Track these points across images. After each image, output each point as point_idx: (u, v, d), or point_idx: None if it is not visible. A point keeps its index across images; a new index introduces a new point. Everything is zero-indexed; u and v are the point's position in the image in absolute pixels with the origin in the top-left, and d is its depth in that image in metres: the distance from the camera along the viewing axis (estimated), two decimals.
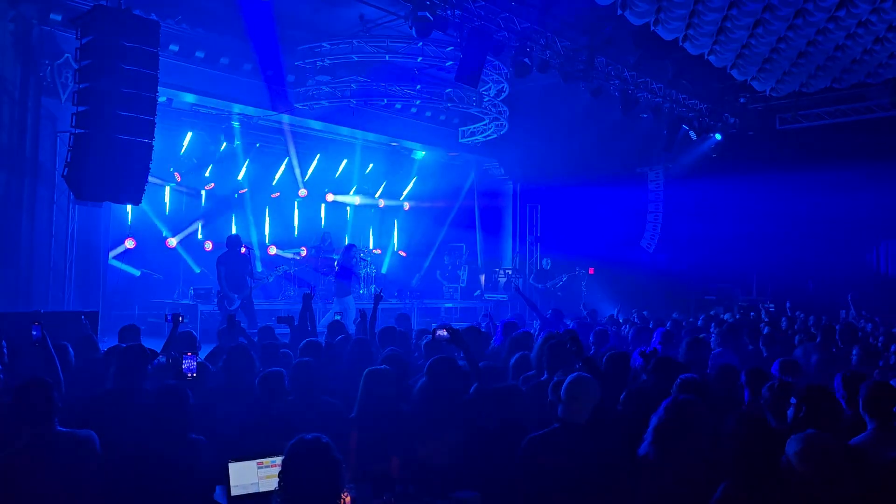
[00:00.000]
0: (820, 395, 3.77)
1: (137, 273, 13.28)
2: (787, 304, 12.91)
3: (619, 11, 10.17)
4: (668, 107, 14.16)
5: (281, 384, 4.44)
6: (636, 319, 10.14)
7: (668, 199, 17.59)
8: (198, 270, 13.94)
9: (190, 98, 12.42)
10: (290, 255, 15.50)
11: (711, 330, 8.34)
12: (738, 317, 11.89)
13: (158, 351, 5.75)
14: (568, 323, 9.39)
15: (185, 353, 4.85)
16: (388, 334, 6.80)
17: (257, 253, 14.96)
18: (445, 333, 5.14)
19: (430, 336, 6.05)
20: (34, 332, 4.91)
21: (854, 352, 6.41)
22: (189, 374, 4.70)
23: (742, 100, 15.67)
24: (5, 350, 5.25)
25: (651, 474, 3.38)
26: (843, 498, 2.87)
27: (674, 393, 4.22)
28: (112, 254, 12.30)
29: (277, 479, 2.79)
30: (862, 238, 14.77)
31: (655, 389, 4.51)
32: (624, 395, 4.51)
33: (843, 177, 14.70)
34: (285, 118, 13.92)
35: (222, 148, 14.36)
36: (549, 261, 16.28)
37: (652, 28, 10.65)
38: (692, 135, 15.13)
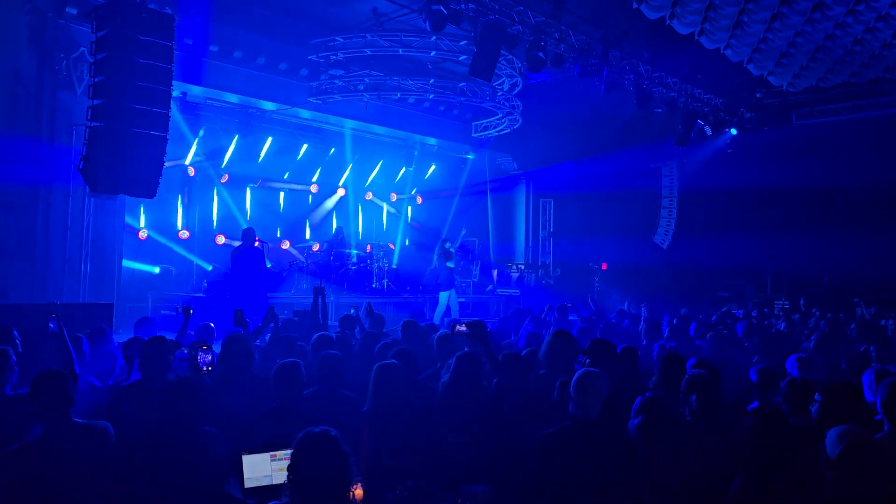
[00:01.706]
0: (845, 393, 3.72)
1: (157, 270, 13.36)
2: (802, 301, 12.79)
3: (635, 5, 10.10)
4: (683, 101, 14.05)
5: (299, 375, 4.44)
6: (645, 314, 10.06)
7: (682, 195, 17.49)
8: (209, 268, 14.00)
9: (202, 92, 12.47)
10: (297, 254, 15.51)
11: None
12: (752, 313, 11.79)
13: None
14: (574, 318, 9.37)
15: (201, 347, 4.87)
16: (409, 329, 6.81)
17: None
18: (465, 328, 5.13)
19: (449, 331, 6.06)
20: (51, 326, 4.95)
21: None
22: (205, 368, 4.72)
23: (758, 95, 15.53)
24: (18, 341, 5.29)
25: (644, 471, 3.43)
26: (881, 495, 2.87)
27: (683, 390, 4.21)
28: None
29: (287, 472, 2.79)
30: (880, 234, 14.59)
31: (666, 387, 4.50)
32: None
33: (861, 173, 14.56)
34: (304, 113, 13.94)
35: (234, 141, 14.40)
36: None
37: (668, 22, 10.57)
38: (707, 130, 15.02)
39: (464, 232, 14.77)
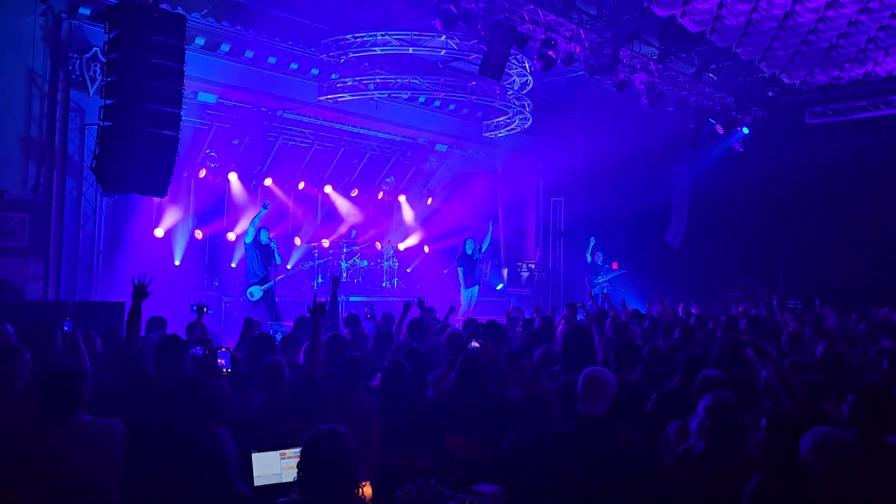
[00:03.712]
0: (881, 396, 3.70)
1: (177, 262, 13.43)
2: (817, 302, 12.68)
3: (646, 3, 10.07)
4: (695, 100, 13.97)
5: (282, 373, 4.45)
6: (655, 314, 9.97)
7: (694, 194, 17.40)
8: (234, 265, 14.08)
9: (214, 92, 12.53)
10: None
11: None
12: (764, 313, 11.70)
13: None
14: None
15: (220, 349, 4.91)
16: (413, 327, 6.83)
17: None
18: (478, 346, 5.17)
19: (453, 330, 6.08)
20: (66, 327, 4.98)
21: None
22: (224, 370, 4.75)
23: (771, 93, 15.42)
24: (63, 333, 5.25)
25: (695, 472, 3.40)
26: (859, 494, 2.88)
27: (696, 389, 4.18)
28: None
29: (297, 469, 2.81)
30: (893, 233, 14.47)
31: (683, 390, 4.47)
32: (655, 396, 4.49)
33: (875, 172, 14.44)
34: (309, 112, 13.98)
35: (245, 140, 14.46)
36: (601, 255, 16.13)
37: (679, 20, 10.53)
38: (719, 128, 14.93)
39: (491, 227, 14.87)
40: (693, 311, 10.98)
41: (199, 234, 14.19)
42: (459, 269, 13.65)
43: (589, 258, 15.40)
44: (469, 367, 4.52)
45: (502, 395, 4.69)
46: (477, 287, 13.61)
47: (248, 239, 11.35)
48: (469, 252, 13.48)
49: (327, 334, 5.99)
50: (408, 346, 5.54)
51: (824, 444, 2.89)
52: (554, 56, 10.83)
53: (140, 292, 4.84)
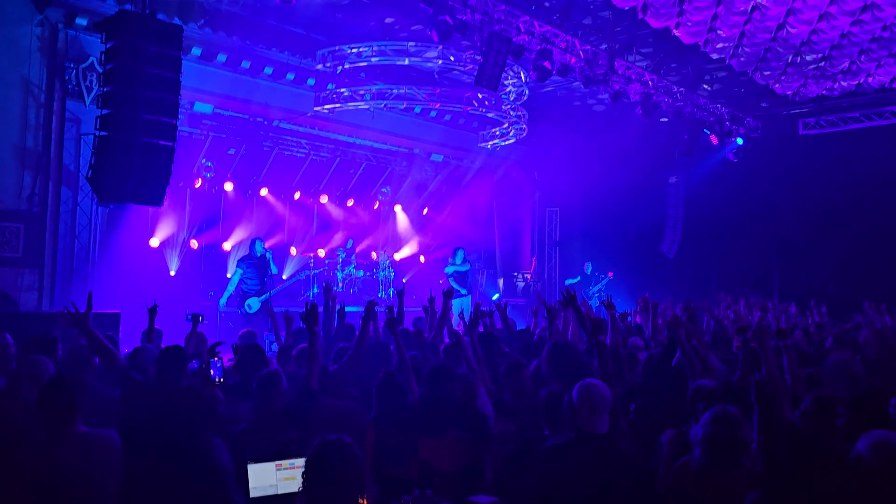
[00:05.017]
0: (868, 407, 3.71)
1: (173, 272, 13.41)
2: (814, 310, 12.67)
3: (640, 15, 10.14)
4: (689, 111, 14.05)
5: (279, 384, 4.44)
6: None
7: (689, 204, 17.47)
8: (230, 275, 14.04)
9: (211, 102, 12.55)
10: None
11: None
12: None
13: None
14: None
15: (212, 359, 4.88)
16: (405, 337, 6.79)
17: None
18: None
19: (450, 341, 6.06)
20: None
21: None
22: (217, 379, 4.73)
23: (764, 104, 15.52)
24: (61, 352, 5.26)
25: (694, 485, 3.38)
26: None
27: (689, 401, 4.17)
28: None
29: (301, 479, 2.80)
30: (886, 243, 14.53)
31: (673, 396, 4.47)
32: (634, 406, 4.48)
33: (868, 182, 14.51)
34: (305, 122, 14.01)
35: (241, 150, 14.46)
36: (590, 265, 16.11)
37: (673, 31, 10.61)
38: (713, 139, 15.01)
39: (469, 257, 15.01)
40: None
41: (194, 244, 14.16)
42: (450, 279, 13.72)
43: (579, 278, 15.55)
44: (436, 379, 4.46)
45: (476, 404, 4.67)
46: (469, 297, 13.61)
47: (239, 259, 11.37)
48: (458, 262, 13.53)
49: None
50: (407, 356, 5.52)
51: (886, 444, 2.97)
52: (549, 67, 10.89)
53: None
